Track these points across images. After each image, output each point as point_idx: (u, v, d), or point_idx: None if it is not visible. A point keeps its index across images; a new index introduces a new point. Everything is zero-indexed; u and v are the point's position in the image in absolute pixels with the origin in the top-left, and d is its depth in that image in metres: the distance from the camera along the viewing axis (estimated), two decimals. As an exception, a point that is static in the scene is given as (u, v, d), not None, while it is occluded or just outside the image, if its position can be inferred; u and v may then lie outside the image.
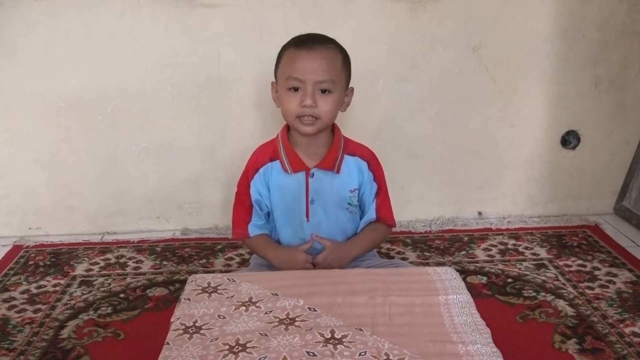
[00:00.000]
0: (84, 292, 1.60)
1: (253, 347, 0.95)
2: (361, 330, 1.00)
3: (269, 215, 1.41)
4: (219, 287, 1.15)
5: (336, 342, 0.96)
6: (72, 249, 1.85)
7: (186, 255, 1.81)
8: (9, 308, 1.53)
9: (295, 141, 1.36)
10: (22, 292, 1.60)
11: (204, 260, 1.78)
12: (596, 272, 1.68)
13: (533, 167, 2.02)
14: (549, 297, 1.54)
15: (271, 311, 1.06)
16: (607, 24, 1.88)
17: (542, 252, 1.81)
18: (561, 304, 1.51)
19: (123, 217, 1.96)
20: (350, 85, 1.36)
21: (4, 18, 1.74)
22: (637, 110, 1.98)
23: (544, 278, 1.64)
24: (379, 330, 1.00)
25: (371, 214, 1.40)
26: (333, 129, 1.39)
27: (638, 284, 1.61)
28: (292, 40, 1.32)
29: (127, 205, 1.95)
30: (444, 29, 1.85)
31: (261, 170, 1.37)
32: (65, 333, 1.41)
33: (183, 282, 1.36)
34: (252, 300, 1.10)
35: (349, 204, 1.38)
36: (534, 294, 1.56)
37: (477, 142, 1.97)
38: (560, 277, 1.65)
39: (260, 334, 0.99)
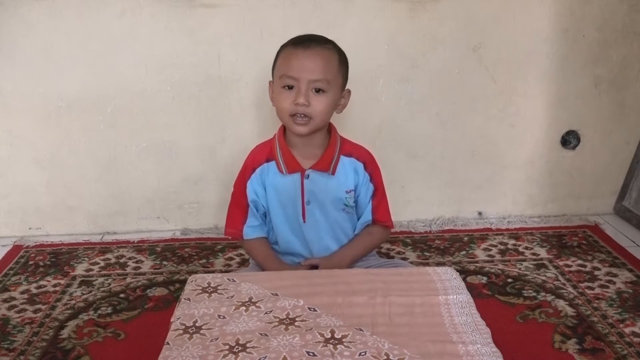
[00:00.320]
0: (84, 292, 1.60)
1: (253, 347, 0.95)
2: (361, 330, 1.00)
3: (265, 215, 1.41)
4: (219, 287, 1.15)
5: (336, 342, 0.96)
6: (72, 249, 1.85)
7: (186, 255, 1.81)
8: (9, 308, 1.53)
9: (291, 142, 1.36)
10: (22, 292, 1.60)
11: (204, 260, 1.78)
12: (596, 272, 1.68)
13: (533, 167, 2.02)
14: (549, 297, 1.54)
15: (271, 311, 1.06)
16: (607, 24, 1.88)
17: (542, 252, 1.81)
18: (561, 304, 1.51)
19: (123, 217, 1.96)
20: (347, 88, 1.36)
21: (4, 18, 1.74)
22: (637, 110, 1.98)
23: (544, 278, 1.64)
24: (379, 330, 1.00)
25: (367, 215, 1.40)
26: (330, 129, 1.38)
27: (638, 284, 1.61)
28: (290, 39, 1.32)
29: (127, 205, 1.96)
30: (444, 29, 1.85)
31: (258, 170, 1.37)
32: (65, 333, 1.41)
33: (183, 282, 1.36)
34: (252, 300, 1.10)
35: (345, 204, 1.38)
36: (534, 294, 1.56)
37: (477, 142, 1.97)
38: (560, 277, 1.65)
39: (260, 334, 0.99)
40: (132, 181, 1.93)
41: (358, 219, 1.42)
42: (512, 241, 1.88)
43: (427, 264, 1.72)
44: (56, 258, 1.80)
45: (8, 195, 1.92)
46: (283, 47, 1.33)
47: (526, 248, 1.84)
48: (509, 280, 1.64)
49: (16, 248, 1.87)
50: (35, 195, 1.92)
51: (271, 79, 1.36)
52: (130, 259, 1.79)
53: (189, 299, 1.11)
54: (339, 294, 1.11)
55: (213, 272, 1.69)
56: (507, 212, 2.05)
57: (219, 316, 1.05)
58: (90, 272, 1.71)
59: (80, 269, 1.73)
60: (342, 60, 1.33)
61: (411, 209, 2.01)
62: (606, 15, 1.87)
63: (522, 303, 1.52)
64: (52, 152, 1.88)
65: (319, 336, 0.98)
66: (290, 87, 1.28)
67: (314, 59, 1.27)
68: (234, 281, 1.17)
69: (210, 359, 0.93)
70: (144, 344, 1.35)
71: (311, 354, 0.93)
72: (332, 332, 0.99)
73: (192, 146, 1.91)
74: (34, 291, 1.61)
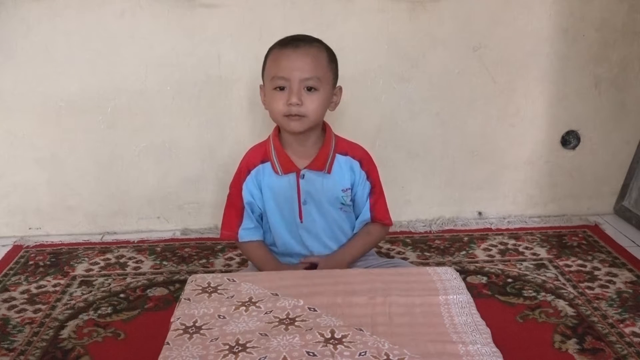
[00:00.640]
0: (84, 292, 1.60)
1: (253, 347, 0.95)
2: (361, 330, 1.00)
3: (261, 217, 1.41)
4: (219, 287, 1.15)
5: (336, 342, 0.96)
6: (72, 249, 1.85)
7: (186, 255, 1.81)
8: (9, 308, 1.53)
9: (286, 142, 1.36)
10: (22, 292, 1.60)
11: (204, 260, 1.78)
12: (596, 272, 1.68)
13: (533, 167, 2.02)
14: (549, 297, 1.54)
15: (271, 311, 1.06)
16: (607, 24, 1.88)
17: (542, 252, 1.81)
18: (561, 304, 1.51)
19: (123, 217, 1.96)
20: (338, 85, 1.36)
21: (4, 18, 1.75)
22: (637, 110, 1.98)
23: (544, 278, 1.64)
24: (379, 330, 1.00)
25: (365, 213, 1.40)
26: (324, 128, 1.38)
27: (638, 284, 1.61)
28: (277, 42, 1.32)
29: (127, 205, 1.96)
30: (444, 29, 1.85)
31: (253, 171, 1.36)
32: (65, 333, 1.41)
33: (183, 282, 1.36)
34: (252, 300, 1.10)
35: (342, 203, 1.38)
36: (534, 294, 1.56)
37: (477, 142, 1.97)
38: (560, 277, 1.65)
39: (260, 334, 0.99)
40: (132, 181, 1.93)
41: (356, 218, 1.42)
42: (512, 241, 1.88)
43: (427, 264, 1.72)
44: (56, 258, 1.80)
45: (8, 195, 1.92)
46: (271, 49, 1.33)
47: (526, 248, 1.84)
48: (509, 280, 1.64)
49: (16, 248, 1.87)
50: (35, 195, 1.92)
51: (261, 83, 1.36)
52: (130, 259, 1.79)
53: (189, 299, 1.11)
54: (339, 294, 1.11)
55: (213, 272, 1.69)
56: (507, 212, 2.05)
57: (219, 316, 1.05)
58: (90, 272, 1.71)
59: (80, 269, 1.73)
60: (331, 57, 1.33)
61: (411, 209, 2.01)
62: (606, 15, 1.87)
63: (522, 303, 1.52)
64: (52, 152, 1.88)
65: (319, 336, 0.98)
66: (282, 88, 1.28)
67: (303, 58, 1.27)
68: (234, 281, 1.17)
69: (210, 359, 0.93)
70: (144, 344, 1.35)
71: (311, 354, 0.93)
72: (332, 332, 0.99)
73: (192, 146, 1.91)
74: (34, 291, 1.61)
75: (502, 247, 1.84)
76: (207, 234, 1.95)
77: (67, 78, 1.81)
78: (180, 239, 1.93)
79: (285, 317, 1.04)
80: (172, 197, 1.96)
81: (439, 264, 1.72)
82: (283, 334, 0.99)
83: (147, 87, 1.83)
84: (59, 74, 1.80)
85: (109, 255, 1.81)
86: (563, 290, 1.58)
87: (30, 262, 1.77)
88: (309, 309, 1.06)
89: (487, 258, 1.77)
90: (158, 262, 1.77)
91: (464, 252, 1.81)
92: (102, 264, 1.76)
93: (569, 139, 2.00)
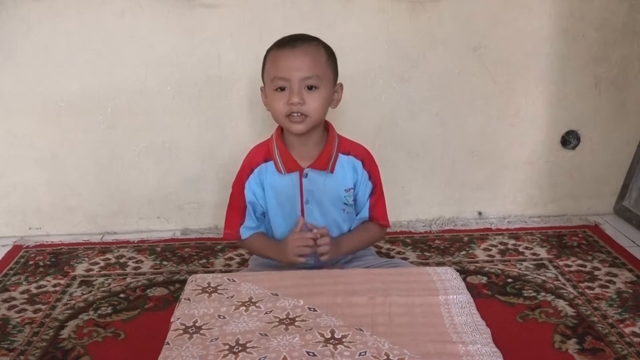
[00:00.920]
0: (84, 292, 1.60)
1: (253, 347, 0.95)
2: (361, 330, 1.00)
3: (264, 215, 1.40)
4: (219, 287, 1.15)
5: (336, 342, 0.96)
6: (72, 249, 1.85)
7: (186, 255, 1.81)
8: (9, 308, 1.53)
9: (288, 141, 1.36)
10: (22, 292, 1.60)
11: (204, 260, 1.78)
12: (596, 272, 1.68)
13: (533, 167, 2.02)
14: (549, 297, 1.54)
15: (271, 311, 1.06)
16: (607, 24, 1.88)
17: (542, 252, 1.81)
18: (561, 304, 1.51)
19: (123, 217, 1.96)
20: (339, 82, 1.36)
21: (4, 18, 1.75)
22: (637, 110, 1.98)
23: (544, 278, 1.64)
24: (379, 330, 1.00)
25: (364, 213, 1.40)
26: (327, 128, 1.38)
27: (638, 284, 1.61)
28: (275, 42, 1.32)
29: (127, 205, 1.96)
30: (444, 29, 1.85)
31: (256, 170, 1.37)
32: (65, 333, 1.41)
33: (183, 282, 1.36)
34: (252, 300, 1.10)
35: (345, 203, 1.38)
36: (534, 294, 1.56)
37: (477, 142, 1.97)
38: (560, 277, 1.65)
39: (260, 334, 0.99)
40: (132, 181, 1.93)
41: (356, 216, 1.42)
42: (512, 241, 1.88)
43: (427, 264, 1.72)
44: (56, 258, 1.80)
45: (8, 195, 1.92)
46: (269, 50, 1.33)
47: (526, 248, 1.84)
48: (509, 280, 1.64)
49: (16, 248, 1.87)
50: (35, 195, 1.92)
51: (262, 85, 1.36)
52: (130, 259, 1.79)
53: (189, 299, 1.11)
54: (339, 294, 1.11)
55: (213, 272, 1.69)
56: (507, 212, 2.05)
57: (219, 316, 1.05)
58: (90, 272, 1.71)
59: (80, 269, 1.73)
60: (330, 54, 1.33)
61: (411, 209, 2.01)
62: (606, 15, 1.87)
63: (522, 303, 1.52)
64: (52, 152, 1.88)
65: (319, 336, 0.98)
66: (283, 89, 1.28)
67: (301, 57, 1.27)
68: (234, 281, 1.17)
69: (210, 359, 0.93)
70: (144, 344, 1.35)
71: (311, 354, 0.93)
72: (332, 332, 0.99)
73: (192, 146, 1.91)
74: (34, 291, 1.61)
75: (502, 247, 1.84)
76: (207, 234, 1.95)
77: (67, 78, 1.81)
78: (180, 239, 1.93)
79: (285, 317, 1.04)
80: (172, 197, 1.96)
81: (439, 264, 1.72)
82: (283, 334, 0.99)
83: (147, 87, 1.83)
84: (59, 74, 1.80)
85: (109, 255, 1.81)
86: (563, 290, 1.58)
87: (30, 262, 1.77)
88: (309, 309, 1.06)
89: (487, 258, 1.77)
90: (158, 262, 1.77)
91: (464, 252, 1.81)
92: (102, 264, 1.76)
93: (569, 139, 2.00)
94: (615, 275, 1.66)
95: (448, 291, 1.13)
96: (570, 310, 1.48)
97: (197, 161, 1.93)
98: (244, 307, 1.07)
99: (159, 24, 1.78)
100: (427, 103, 1.92)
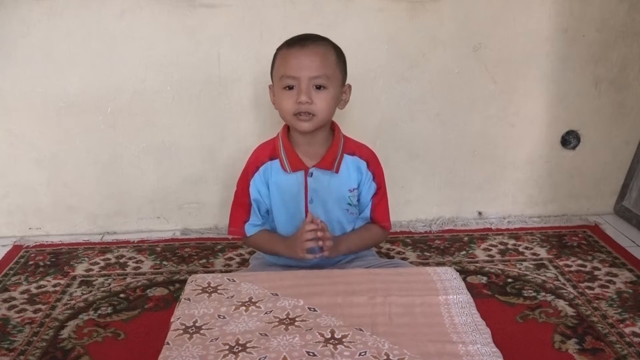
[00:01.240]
0: (84, 292, 1.60)
1: (253, 347, 0.95)
2: (361, 330, 1.00)
3: (268, 213, 1.41)
4: (219, 287, 1.15)
5: (336, 342, 0.96)
6: (72, 249, 1.85)
7: (186, 255, 1.81)
8: (9, 308, 1.53)
9: (295, 140, 1.36)
10: (22, 292, 1.60)
11: (204, 260, 1.78)
12: (596, 272, 1.68)
13: (533, 167, 2.02)
14: (549, 297, 1.54)
15: (271, 311, 1.06)
16: (607, 24, 1.88)
17: (542, 252, 1.81)
18: (561, 304, 1.51)
19: (123, 217, 1.96)
20: (347, 83, 1.36)
21: (4, 18, 1.75)
22: (637, 110, 1.99)
23: (544, 278, 1.64)
24: (379, 330, 1.00)
25: (366, 214, 1.40)
26: (333, 128, 1.39)
27: (638, 284, 1.61)
28: (285, 41, 1.33)
29: (127, 205, 1.96)
30: (444, 29, 1.85)
31: (261, 168, 1.37)
32: (65, 333, 1.41)
33: (183, 282, 1.36)
34: (252, 300, 1.10)
35: (349, 204, 1.38)
36: (534, 294, 1.56)
37: (477, 142, 1.97)
38: (560, 277, 1.65)
39: (260, 334, 0.99)
40: (132, 181, 1.93)
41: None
42: (512, 241, 1.88)
43: (427, 264, 1.72)
44: (56, 258, 1.80)
45: (8, 195, 1.92)
46: (279, 49, 1.33)
47: (526, 248, 1.84)
48: (509, 280, 1.64)
49: (16, 248, 1.87)
50: (35, 195, 1.92)
51: (270, 83, 1.36)
52: (130, 259, 1.79)
53: (189, 299, 1.11)
54: (339, 294, 1.11)
55: (213, 272, 1.69)
56: (507, 212, 2.05)
57: (219, 316, 1.05)
58: (90, 272, 1.71)
59: (80, 269, 1.73)
60: (339, 55, 1.33)
61: (411, 209, 2.01)
62: (606, 15, 1.87)
63: (522, 303, 1.52)
64: (52, 152, 1.88)
65: (319, 336, 0.98)
66: (291, 87, 1.28)
67: (311, 56, 1.27)
68: (234, 281, 1.17)
69: (210, 359, 0.93)
70: (144, 344, 1.35)
71: (311, 354, 0.93)
72: (332, 332, 0.99)
73: (192, 146, 1.91)
74: (34, 291, 1.61)
75: (502, 247, 1.85)
76: (207, 234, 1.95)
77: (67, 78, 1.81)
78: (180, 239, 1.93)
79: (285, 317, 1.04)
80: (172, 197, 1.96)
81: (439, 264, 1.72)
82: (283, 334, 0.99)
83: (147, 87, 1.83)
84: (59, 74, 1.80)
85: (109, 255, 1.81)
86: (563, 290, 1.58)
87: (30, 262, 1.77)
88: (309, 309, 1.06)
89: (487, 258, 1.77)
90: (158, 262, 1.77)
91: (464, 252, 1.81)
92: (102, 264, 1.76)
93: (569, 139, 2.00)
94: (615, 275, 1.66)
95: (448, 291, 1.13)
96: (570, 310, 1.48)
97: (197, 161, 1.93)
98: (244, 307, 1.07)
99: (159, 24, 1.78)
100: (427, 103, 1.92)
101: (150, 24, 1.78)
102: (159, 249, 1.86)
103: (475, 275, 1.67)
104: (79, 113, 1.84)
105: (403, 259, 1.75)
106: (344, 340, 0.97)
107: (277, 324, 1.02)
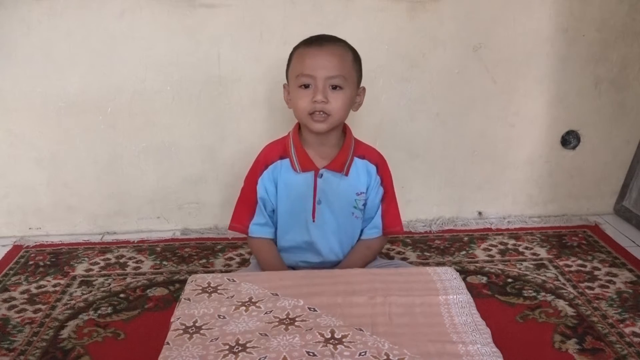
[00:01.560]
0: (84, 292, 1.60)
1: (253, 347, 0.95)
2: (361, 330, 1.00)
3: (273, 212, 1.40)
4: (219, 287, 1.15)
5: (336, 342, 0.96)
6: (72, 249, 1.85)
7: (186, 255, 1.81)
8: (9, 308, 1.53)
9: (306, 140, 1.36)
10: (22, 292, 1.60)
11: (204, 260, 1.78)
12: (596, 272, 1.68)
13: (533, 167, 2.02)
14: (549, 297, 1.54)
15: (271, 311, 1.06)
16: (607, 24, 1.88)
17: (542, 252, 1.81)
18: (561, 304, 1.51)
19: (123, 217, 1.96)
20: (362, 85, 1.37)
21: (4, 18, 1.74)
22: (637, 110, 1.99)
23: (544, 278, 1.64)
24: (379, 330, 1.00)
25: (376, 219, 1.41)
26: (345, 130, 1.39)
27: (638, 284, 1.61)
28: (302, 41, 1.33)
29: (127, 205, 1.95)
30: (444, 29, 1.85)
31: (270, 167, 1.37)
32: (65, 333, 1.41)
33: (183, 282, 1.36)
34: (252, 300, 1.10)
35: (355, 207, 1.38)
36: (534, 294, 1.56)
37: (477, 142, 1.97)
38: (560, 277, 1.65)
39: (260, 334, 0.99)
40: (132, 181, 1.93)
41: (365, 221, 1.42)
42: (512, 241, 1.88)
43: (427, 264, 1.72)
44: (56, 258, 1.80)
45: (8, 195, 1.92)
46: (296, 48, 1.33)
47: (526, 248, 1.84)
48: (509, 280, 1.64)
49: (16, 248, 1.87)
50: (35, 195, 1.92)
51: (285, 82, 1.36)
52: (130, 259, 1.79)
53: (189, 299, 1.11)
54: (339, 294, 1.11)
55: (213, 272, 1.69)
56: (507, 212, 2.05)
57: (219, 316, 1.05)
58: (90, 272, 1.71)
59: (80, 269, 1.73)
60: (356, 57, 1.34)
61: (411, 209, 2.01)
62: (606, 15, 1.87)
63: (522, 303, 1.52)
64: (52, 152, 1.88)
65: (319, 336, 0.98)
66: (307, 86, 1.28)
67: (328, 56, 1.27)
68: (234, 281, 1.17)
69: (210, 359, 0.93)
70: (144, 344, 1.35)
71: (311, 354, 0.93)
72: (332, 332, 0.99)
73: (192, 146, 1.91)
74: (34, 291, 1.61)
75: (502, 247, 1.84)
76: (207, 234, 1.95)
77: (67, 78, 1.81)
78: (180, 239, 1.93)
79: (285, 317, 1.04)
80: (172, 197, 1.96)
81: (439, 264, 1.72)
82: (283, 334, 0.99)
83: (147, 87, 1.83)
84: (59, 74, 1.80)
85: (109, 255, 1.81)
86: (563, 290, 1.58)
87: (30, 262, 1.77)
88: (309, 309, 1.06)
89: (487, 258, 1.77)
90: (158, 262, 1.77)
91: (464, 252, 1.81)
92: (102, 264, 1.76)
93: (569, 139, 2.00)
94: (615, 275, 1.66)
95: (448, 291, 1.14)
96: (570, 310, 1.48)
97: (197, 161, 1.93)
98: (244, 307, 1.07)
99: (159, 24, 1.78)
100: (427, 103, 1.92)
101: (150, 24, 1.78)
102: (159, 249, 1.86)
103: (475, 275, 1.67)
104: (79, 113, 1.84)
105: (403, 259, 1.75)
106: (344, 340, 0.97)
107: (277, 324, 1.02)
